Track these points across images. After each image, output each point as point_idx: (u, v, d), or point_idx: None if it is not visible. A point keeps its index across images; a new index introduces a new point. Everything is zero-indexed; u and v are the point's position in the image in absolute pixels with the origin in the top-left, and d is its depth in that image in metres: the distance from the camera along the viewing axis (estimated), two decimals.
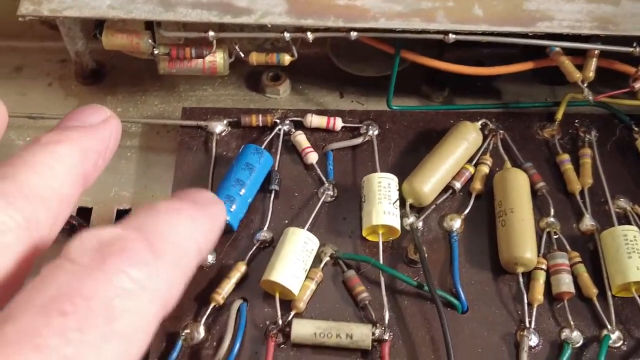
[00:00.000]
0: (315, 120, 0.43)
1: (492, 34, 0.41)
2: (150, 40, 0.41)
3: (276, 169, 0.42)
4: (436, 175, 0.40)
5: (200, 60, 0.42)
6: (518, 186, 0.40)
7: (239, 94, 0.49)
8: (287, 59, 0.43)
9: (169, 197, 0.22)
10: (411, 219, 0.40)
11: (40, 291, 0.16)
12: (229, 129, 0.44)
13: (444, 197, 0.41)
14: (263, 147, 0.41)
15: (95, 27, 0.41)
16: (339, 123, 0.43)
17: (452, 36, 0.40)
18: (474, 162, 0.42)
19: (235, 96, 0.49)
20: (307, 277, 0.37)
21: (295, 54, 0.43)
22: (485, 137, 0.43)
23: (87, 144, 0.21)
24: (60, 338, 0.15)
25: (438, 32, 0.40)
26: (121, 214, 0.43)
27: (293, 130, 0.43)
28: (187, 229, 0.19)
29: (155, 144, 0.46)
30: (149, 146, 0.46)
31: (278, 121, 0.43)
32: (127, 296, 0.16)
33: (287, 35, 0.41)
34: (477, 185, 0.41)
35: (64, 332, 0.15)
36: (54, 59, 0.50)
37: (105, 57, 0.49)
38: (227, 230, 0.39)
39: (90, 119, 0.22)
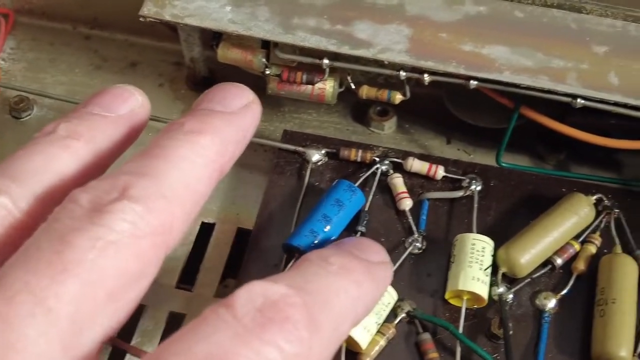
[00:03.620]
0: (416, 165, 0.41)
1: (625, 106, 0.37)
2: (263, 59, 0.40)
3: (366, 209, 0.40)
4: (537, 246, 0.37)
5: (310, 86, 0.41)
6: (626, 275, 0.36)
7: (342, 122, 0.48)
8: (398, 97, 0.41)
9: (343, 244, 0.21)
10: (501, 289, 0.37)
11: (199, 342, 0.16)
12: (326, 159, 0.42)
13: (542, 271, 0.38)
14: (357, 184, 0.40)
15: (214, 38, 0.41)
16: (440, 172, 0.41)
17: (580, 101, 0.37)
18: (581, 239, 0.39)
19: (338, 125, 0.48)
20: (378, 331, 0.35)
21: (408, 94, 0.41)
22: (598, 214, 0.40)
23: (227, 134, 0.20)
24: None
25: (566, 94, 0.37)
26: (205, 228, 0.42)
27: (391, 171, 0.42)
28: (351, 298, 0.19)
29: (250, 161, 0.45)
30: (244, 162, 0.45)
31: (377, 159, 0.42)
32: None
33: (402, 74, 0.39)
34: (580, 265, 0.38)
35: None
36: (169, 59, 0.50)
37: (218, 67, 0.49)
38: None
39: (233, 103, 0.21)
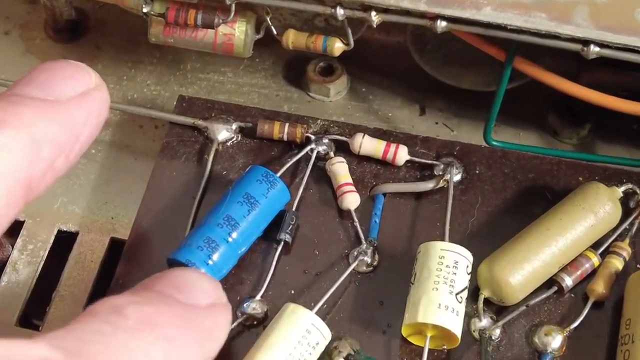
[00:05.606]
0: (368, 145, 0.41)
1: None
2: None
3: (294, 208, 0.39)
4: (533, 261, 0.37)
5: (211, 31, 0.40)
6: None
7: (271, 86, 0.47)
8: (337, 46, 0.40)
9: (146, 285, 0.20)
10: (484, 321, 0.37)
11: None
12: (239, 137, 0.42)
13: (543, 296, 0.38)
14: (280, 173, 0.39)
15: None
16: (402, 154, 0.40)
17: (594, 49, 0.37)
18: (602, 248, 0.38)
19: (264, 89, 0.47)
20: None
21: (352, 43, 0.40)
22: (628, 213, 0.39)
23: (43, 131, 0.19)
24: None
25: (573, 39, 0.37)
26: (63, 238, 0.42)
27: (332, 154, 0.41)
28: None
29: (134, 142, 0.45)
30: (125, 144, 0.45)
31: (312, 137, 0.41)
32: None
33: (340, 11, 0.38)
34: (599, 287, 0.37)
35: None
36: None
37: (90, 6, 0.49)
38: None
39: (61, 89, 0.20)
